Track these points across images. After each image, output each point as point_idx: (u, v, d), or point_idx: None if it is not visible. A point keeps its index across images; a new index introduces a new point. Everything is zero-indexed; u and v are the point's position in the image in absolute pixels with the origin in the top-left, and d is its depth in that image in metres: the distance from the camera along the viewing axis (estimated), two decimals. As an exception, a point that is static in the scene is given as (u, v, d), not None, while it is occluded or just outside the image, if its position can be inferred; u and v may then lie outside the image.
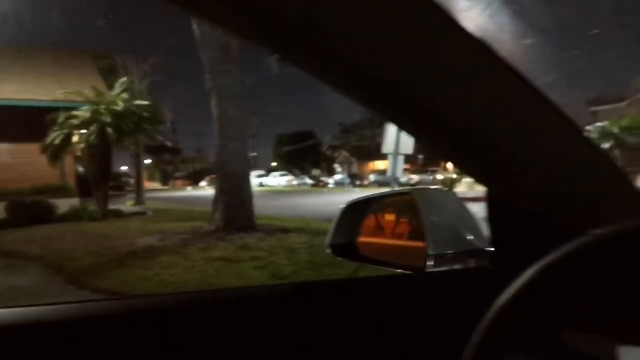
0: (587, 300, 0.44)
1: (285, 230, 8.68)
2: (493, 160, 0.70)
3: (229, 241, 7.76)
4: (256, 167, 46.44)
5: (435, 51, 0.55)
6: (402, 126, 0.70)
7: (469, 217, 0.96)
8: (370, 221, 1.08)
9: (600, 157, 0.75)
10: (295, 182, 38.15)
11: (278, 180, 38.97)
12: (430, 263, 0.93)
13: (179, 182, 45.24)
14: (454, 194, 0.98)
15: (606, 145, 20.68)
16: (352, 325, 0.84)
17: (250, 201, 9.18)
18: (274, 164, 47.79)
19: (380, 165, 33.97)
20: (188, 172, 46.56)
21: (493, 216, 0.85)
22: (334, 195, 20.99)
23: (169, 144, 29.29)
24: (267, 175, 41.53)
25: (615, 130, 20.42)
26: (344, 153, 42.60)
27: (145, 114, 12.71)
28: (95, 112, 12.19)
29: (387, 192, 1.07)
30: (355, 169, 41.58)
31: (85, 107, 12.46)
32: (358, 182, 34.34)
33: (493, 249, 0.86)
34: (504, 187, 0.77)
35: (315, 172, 42.15)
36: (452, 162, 0.76)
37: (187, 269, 6.10)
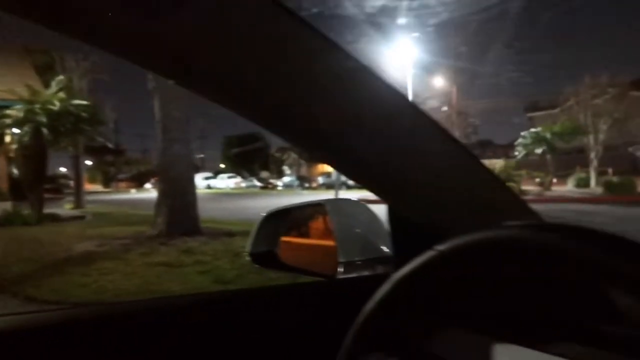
0: (436, 307, 0.50)
1: (230, 234, 8.61)
2: (388, 178, 0.77)
3: (172, 245, 7.61)
4: (204, 169, 45.62)
5: (330, 83, 0.61)
6: (306, 150, 0.76)
7: (378, 225, 1.03)
8: (288, 230, 1.13)
9: (483, 171, 0.84)
10: (243, 184, 37.82)
11: (226, 182, 38.50)
12: (341, 270, 0.99)
13: (122, 184, 43.69)
14: (364, 205, 1.05)
15: (539, 150, 21.90)
16: (264, 332, 0.89)
17: (195, 204, 9.04)
18: (222, 166, 47.10)
19: (328, 167, 34.19)
20: (132, 173, 45.06)
21: (393, 225, 0.92)
22: (283, 197, 20.97)
23: (109, 145, 28.20)
24: (214, 177, 40.91)
25: (547, 135, 21.62)
26: (293, 155, 42.64)
27: (84, 114, 12.21)
28: (30, 111, 11.58)
29: (302, 203, 1.12)
30: (304, 171, 41.71)
31: (19, 106, 11.82)
32: (307, 184, 34.47)
33: (394, 255, 0.94)
34: (399, 201, 0.85)
35: (264, 174, 41.93)
36: (354, 179, 0.82)
37: (126, 274, 5.93)
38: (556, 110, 24.11)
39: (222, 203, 19.50)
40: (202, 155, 51.81)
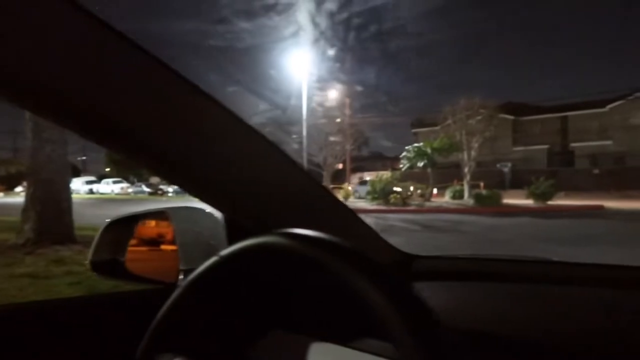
0: (226, 310, 0.56)
1: (109, 242, 8.08)
2: (219, 188, 0.82)
3: (40, 255, 6.98)
4: (86, 172, 42.38)
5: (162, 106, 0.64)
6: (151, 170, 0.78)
7: (221, 233, 1.07)
8: (132, 238, 1.13)
9: (312, 183, 0.93)
10: (130, 190, 35.75)
11: (111, 187, 36.17)
12: (182, 277, 1.01)
13: (-13, 187, 38.97)
14: (209, 212, 1.08)
15: (421, 163, 23.57)
16: (97, 339, 0.88)
17: (69, 210, 8.37)
18: (108, 170, 44.06)
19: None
20: (0, 174, 40.38)
21: (229, 232, 0.97)
22: (172, 204, 20.09)
23: (-30, 142, 25.07)
24: (98, 181, 38.21)
25: (428, 150, 23.36)
26: (186, 161, 41.01)
27: (-61, 106, 10.78)
28: None
29: (146, 210, 1.13)
30: (197, 177, 40.35)
31: None
32: (199, 191, 33.43)
33: None
34: (231, 208, 0.90)
35: (154, 179, 39.90)
36: (195, 195, 0.86)
37: (-20, 288, 5.32)
38: (437, 128, 26.04)
39: (105, 209, 18.27)
40: (84, 158, 48.15)
